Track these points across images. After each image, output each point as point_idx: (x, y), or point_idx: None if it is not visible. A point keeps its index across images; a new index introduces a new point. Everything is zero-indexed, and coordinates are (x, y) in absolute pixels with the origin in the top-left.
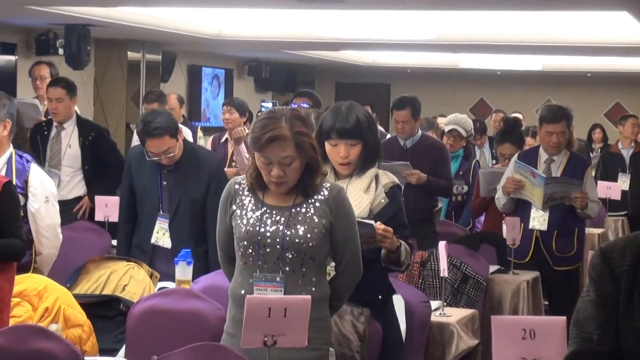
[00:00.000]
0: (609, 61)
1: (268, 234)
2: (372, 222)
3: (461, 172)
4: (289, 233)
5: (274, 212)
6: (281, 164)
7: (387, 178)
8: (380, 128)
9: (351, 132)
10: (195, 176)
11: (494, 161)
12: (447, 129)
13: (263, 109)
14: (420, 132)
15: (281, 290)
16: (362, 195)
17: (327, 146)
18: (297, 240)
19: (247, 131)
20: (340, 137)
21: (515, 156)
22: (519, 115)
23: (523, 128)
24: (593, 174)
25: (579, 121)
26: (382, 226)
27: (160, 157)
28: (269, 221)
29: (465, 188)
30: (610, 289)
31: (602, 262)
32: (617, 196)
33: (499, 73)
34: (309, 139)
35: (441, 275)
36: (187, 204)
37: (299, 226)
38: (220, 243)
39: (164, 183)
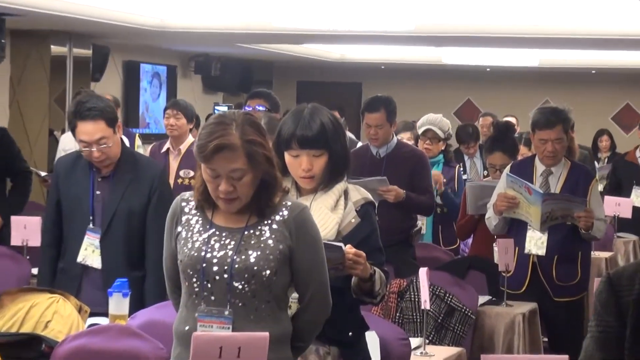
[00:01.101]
0: (617, 56)
1: (215, 261)
2: (340, 245)
3: (443, 180)
4: (238, 259)
5: (224, 234)
6: (230, 178)
7: (358, 194)
8: (349, 135)
9: (315, 140)
10: (135, 185)
11: (485, 172)
12: (420, 130)
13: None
14: (395, 138)
15: (229, 327)
16: (329, 215)
17: (287, 157)
18: (247, 268)
19: (192, 140)
20: (302, 146)
21: (507, 168)
22: (512, 120)
23: (516, 134)
24: (600, 188)
25: (582, 126)
26: (353, 250)
27: (92, 147)
28: (217, 245)
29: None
30: (614, 324)
31: (609, 289)
32: (627, 214)
33: (488, 70)
34: (264, 150)
35: (422, 307)
36: (123, 217)
37: (250, 251)
38: (167, 270)
39: (97, 193)
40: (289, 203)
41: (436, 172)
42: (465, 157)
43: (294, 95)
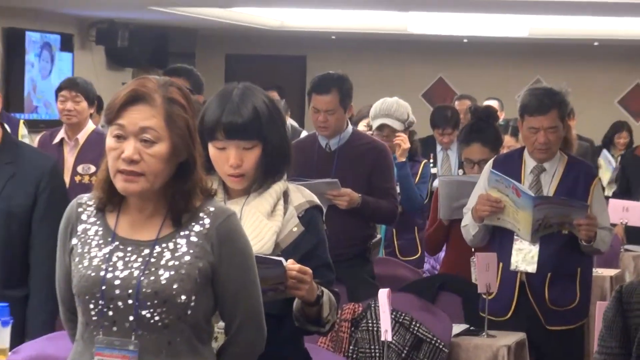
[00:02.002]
0: (625, 25)
1: (117, 282)
2: (280, 259)
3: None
4: (146, 281)
5: (129, 249)
6: (139, 141)
7: (302, 196)
8: (290, 122)
9: (246, 128)
10: (16, 182)
11: (461, 171)
12: (374, 125)
13: None
14: (350, 127)
15: None
16: (264, 222)
17: (212, 150)
18: (158, 292)
19: (94, 127)
20: (229, 136)
21: (490, 163)
22: (494, 104)
23: (500, 122)
24: (608, 193)
25: (582, 112)
26: (296, 266)
27: None
28: (120, 263)
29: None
30: (617, 350)
31: (616, 306)
32: (637, 221)
33: (465, 42)
34: (187, 119)
35: (382, 339)
36: (1, 221)
37: (162, 271)
38: (60, 293)
39: None
40: (212, 209)
41: (400, 135)
42: (438, 148)
43: (222, 72)
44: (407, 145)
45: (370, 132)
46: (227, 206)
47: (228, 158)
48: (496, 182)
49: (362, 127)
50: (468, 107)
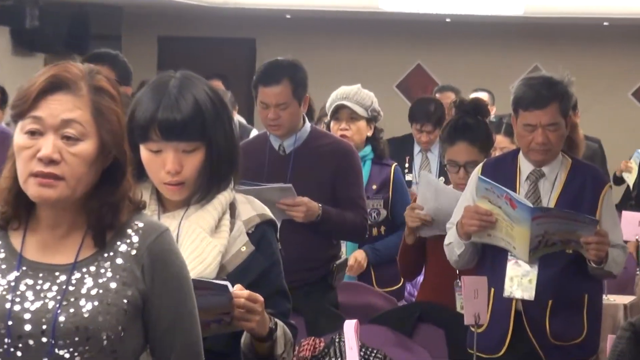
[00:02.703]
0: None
1: (27, 316)
2: (226, 284)
3: (374, 187)
4: (65, 314)
5: (41, 275)
6: (60, 136)
7: (252, 209)
8: (238, 118)
9: (187, 127)
10: None
11: (442, 178)
12: (330, 110)
13: None
14: (308, 124)
15: None
16: (207, 240)
17: (145, 153)
18: (79, 328)
19: None
20: (167, 137)
21: (478, 169)
22: (483, 96)
23: (491, 118)
24: (616, 200)
25: (589, 107)
26: (245, 292)
27: None
28: (29, 293)
29: (384, 213)
30: None
31: (629, 346)
32: None
33: (448, 21)
34: (119, 112)
35: None
36: None
37: (83, 302)
38: None
39: None
40: (141, 224)
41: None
42: (416, 149)
43: (154, 58)
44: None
45: (325, 123)
46: (161, 221)
47: (164, 163)
48: (486, 191)
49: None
50: (452, 100)
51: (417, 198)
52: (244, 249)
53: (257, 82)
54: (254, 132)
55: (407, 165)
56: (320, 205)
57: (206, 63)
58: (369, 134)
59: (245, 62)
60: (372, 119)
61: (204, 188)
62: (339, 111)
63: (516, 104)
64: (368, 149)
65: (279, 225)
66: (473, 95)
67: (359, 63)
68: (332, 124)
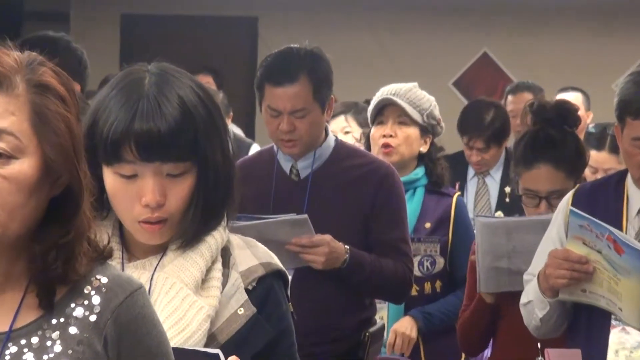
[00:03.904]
0: None
1: None
2: (216, 352)
3: (427, 225)
4: None
5: None
6: None
7: (253, 255)
8: (233, 129)
9: (173, 141)
10: None
11: (500, 214)
12: (372, 108)
13: None
14: (332, 138)
15: None
16: (190, 299)
17: (112, 179)
18: None
19: None
20: (145, 156)
21: (569, 197)
22: (575, 98)
23: (589, 128)
24: None
25: None
26: None
27: None
28: None
29: (440, 263)
30: None
31: None
32: None
33: None
34: (71, 119)
35: None
36: None
37: None
38: None
39: None
40: (104, 280)
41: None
42: (470, 172)
43: (115, 45)
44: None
45: (357, 137)
46: (129, 274)
47: (141, 192)
48: (580, 229)
49: (352, 138)
50: (528, 103)
51: (477, 256)
52: (241, 311)
53: (264, 80)
54: (255, 148)
55: (458, 191)
56: (347, 247)
57: (189, 52)
58: (423, 149)
59: (244, 50)
60: (428, 129)
61: (191, 227)
62: (384, 110)
63: (622, 109)
64: (420, 172)
65: (290, 277)
66: (560, 96)
67: (398, 53)
68: (373, 130)
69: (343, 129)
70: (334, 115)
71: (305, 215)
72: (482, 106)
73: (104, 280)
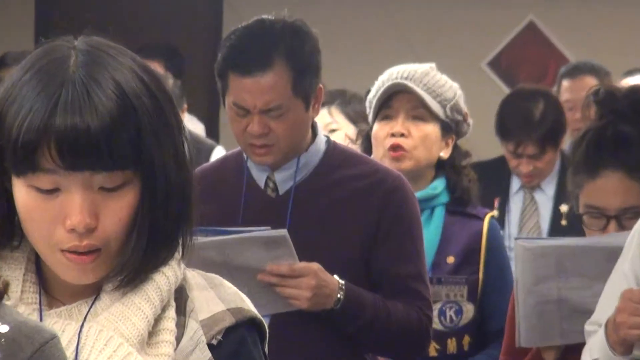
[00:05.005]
0: None
1: None
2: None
3: (450, 259)
4: None
5: None
6: None
7: (217, 298)
8: (191, 127)
9: (108, 144)
10: None
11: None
12: (378, 96)
13: None
14: (321, 139)
15: None
16: (131, 358)
17: (25, 194)
18: None
19: None
20: (70, 162)
21: None
22: None
23: None
24: None
25: None
26: None
27: None
28: None
29: (469, 310)
30: None
31: None
32: None
33: None
34: None
35: None
36: None
37: None
38: None
39: None
40: (4, 329)
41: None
42: (515, 184)
43: (30, 13)
44: None
45: (351, 136)
46: (42, 323)
47: (66, 212)
48: None
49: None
50: (592, 90)
51: (516, 298)
52: None
53: (227, 67)
54: (219, 153)
55: (495, 210)
56: (342, 282)
57: (130, 27)
58: (444, 154)
59: (205, 19)
60: (451, 127)
61: (133, 260)
62: (393, 100)
63: None
64: (440, 185)
65: (267, 323)
66: (627, 81)
67: (408, 23)
68: (376, 127)
69: (327, 126)
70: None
71: (284, 231)
72: (528, 97)
73: (4, 329)
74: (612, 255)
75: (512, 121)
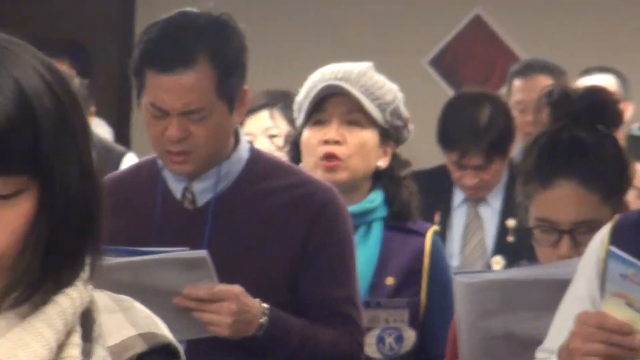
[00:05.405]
0: None
1: None
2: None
3: (389, 281)
4: None
5: None
6: None
7: (127, 322)
8: (99, 130)
9: (2, 151)
10: None
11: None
12: (309, 99)
13: None
14: (245, 145)
15: None
16: None
17: None
18: None
19: None
20: None
21: (605, 233)
22: (607, 81)
23: (634, 130)
24: None
25: None
26: None
27: None
28: None
29: (409, 338)
30: None
31: None
32: None
33: None
34: None
35: None
36: None
37: None
38: None
39: None
40: None
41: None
42: (457, 197)
43: None
44: None
45: (279, 144)
46: None
47: None
48: (623, 282)
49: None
50: (545, 91)
51: (457, 327)
52: None
53: (143, 64)
54: (130, 160)
55: (436, 226)
56: (265, 306)
57: (32, 20)
58: (382, 164)
59: (114, 18)
60: (389, 133)
61: (28, 277)
62: (326, 103)
63: None
64: (377, 198)
65: (182, 352)
66: (584, 80)
67: (342, 18)
68: (307, 134)
69: (267, 131)
70: (254, 110)
71: (204, 252)
72: (473, 101)
73: None
74: (562, 287)
75: (455, 129)
